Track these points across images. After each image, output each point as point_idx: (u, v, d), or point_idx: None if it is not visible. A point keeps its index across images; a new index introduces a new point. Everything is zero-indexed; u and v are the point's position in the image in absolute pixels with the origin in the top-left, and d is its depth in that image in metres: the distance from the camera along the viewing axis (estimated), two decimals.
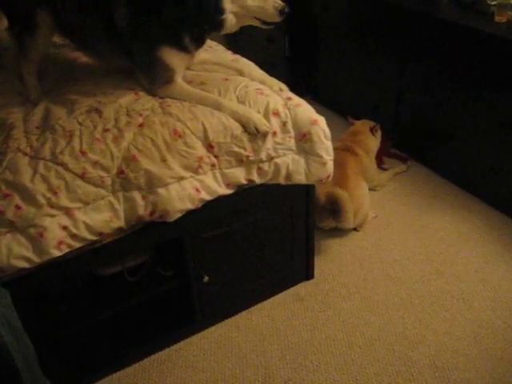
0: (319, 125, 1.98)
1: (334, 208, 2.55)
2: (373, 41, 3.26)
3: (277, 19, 1.89)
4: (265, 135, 1.90)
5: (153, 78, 1.97)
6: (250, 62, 2.29)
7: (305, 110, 1.99)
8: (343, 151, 2.80)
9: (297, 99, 2.02)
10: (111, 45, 2.00)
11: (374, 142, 2.97)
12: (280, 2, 1.88)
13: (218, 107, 1.90)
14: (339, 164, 2.52)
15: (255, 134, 1.88)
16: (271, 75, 2.18)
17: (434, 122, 3.00)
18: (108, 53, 2.07)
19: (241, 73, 2.15)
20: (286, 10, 1.88)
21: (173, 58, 1.94)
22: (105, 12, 1.93)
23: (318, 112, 2.03)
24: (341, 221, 2.59)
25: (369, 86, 3.39)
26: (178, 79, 1.97)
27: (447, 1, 2.93)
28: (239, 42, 4.23)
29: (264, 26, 1.94)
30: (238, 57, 2.34)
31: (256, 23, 1.93)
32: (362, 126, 3.00)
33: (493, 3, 2.68)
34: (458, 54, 2.70)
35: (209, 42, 2.46)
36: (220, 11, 1.84)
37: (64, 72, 2.22)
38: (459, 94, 2.77)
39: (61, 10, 1.99)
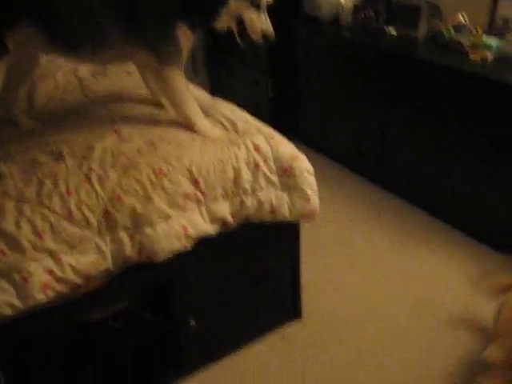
0: (301, 160, 2.01)
1: None
2: (353, 83, 3.33)
3: (256, 39, 1.98)
4: None
5: (163, 58, 1.98)
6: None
7: (286, 147, 2.03)
8: None
9: (278, 138, 2.05)
10: (122, 29, 1.95)
11: None
12: (272, 31, 1.97)
13: (188, 121, 2.03)
14: None
15: None
16: (255, 115, 2.21)
17: (420, 164, 3.01)
18: (118, 41, 1.98)
19: None
20: (270, 40, 1.97)
21: (182, 38, 1.99)
22: None
23: (300, 151, 2.06)
24: None
25: (351, 128, 3.44)
26: (182, 63, 2.03)
27: (424, 42, 3.03)
28: (224, 85, 4.29)
29: (238, 41, 2.03)
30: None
31: (234, 31, 2.02)
32: None
33: (466, 43, 2.78)
34: (439, 93, 2.76)
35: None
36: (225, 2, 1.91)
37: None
38: (443, 132, 2.81)
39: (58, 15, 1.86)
